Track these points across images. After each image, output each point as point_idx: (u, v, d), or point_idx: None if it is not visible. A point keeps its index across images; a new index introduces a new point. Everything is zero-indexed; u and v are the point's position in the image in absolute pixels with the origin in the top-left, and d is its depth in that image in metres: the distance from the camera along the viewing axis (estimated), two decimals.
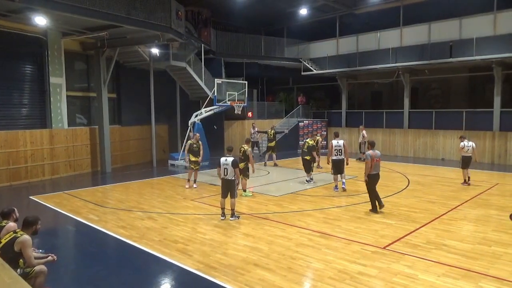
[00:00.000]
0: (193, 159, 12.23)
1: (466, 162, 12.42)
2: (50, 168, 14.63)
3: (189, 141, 12.69)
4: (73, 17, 12.04)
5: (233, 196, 8.66)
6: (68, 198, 11.20)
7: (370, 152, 9.10)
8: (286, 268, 6.01)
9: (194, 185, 12.37)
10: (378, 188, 9.22)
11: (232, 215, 8.69)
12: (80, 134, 15.93)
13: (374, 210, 9.18)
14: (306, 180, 12.93)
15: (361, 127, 19.28)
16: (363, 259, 6.30)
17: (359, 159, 18.39)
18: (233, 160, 8.61)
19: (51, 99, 14.73)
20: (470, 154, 12.41)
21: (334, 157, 11.44)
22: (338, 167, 11.50)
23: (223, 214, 8.74)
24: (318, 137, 15.72)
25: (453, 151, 18.40)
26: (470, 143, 12.49)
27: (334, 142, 11.60)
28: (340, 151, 11.42)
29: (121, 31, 13.90)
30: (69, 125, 15.50)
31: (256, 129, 18.89)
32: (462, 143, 12.48)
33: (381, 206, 9.20)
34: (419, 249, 6.72)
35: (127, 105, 18.42)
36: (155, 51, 17.09)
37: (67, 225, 8.94)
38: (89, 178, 15.15)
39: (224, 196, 8.73)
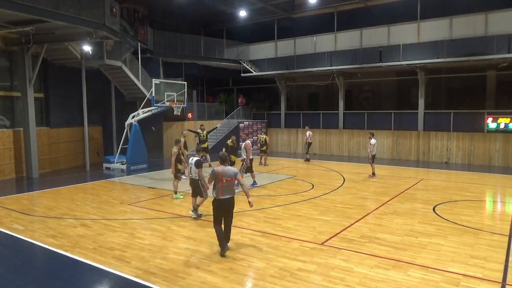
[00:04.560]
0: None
1: (375, 157, 14.35)
2: None
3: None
4: None
5: (198, 194, 8.97)
6: None
7: (217, 168, 6.77)
8: (228, 269, 5.99)
9: None
10: (316, 186, 9.51)
11: (195, 210, 8.97)
12: (1, 137, 14.59)
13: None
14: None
15: (306, 127, 19.76)
16: (302, 256, 6.48)
17: (307, 159, 18.89)
18: (196, 161, 8.88)
19: None
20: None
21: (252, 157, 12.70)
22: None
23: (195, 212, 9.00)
24: (264, 136, 17.39)
25: (383, 150, 19.64)
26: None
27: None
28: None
29: (49, 26, 12.95)
30: None
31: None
32: (374, 140, 14.09)
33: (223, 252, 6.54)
34: (354, 243, 7.07)
35: (57, 106, 17.22)
36: (87, 48, 16.20)
37: None
38: (13, 184, 13.93)
39: (193, 195, 9.04)
